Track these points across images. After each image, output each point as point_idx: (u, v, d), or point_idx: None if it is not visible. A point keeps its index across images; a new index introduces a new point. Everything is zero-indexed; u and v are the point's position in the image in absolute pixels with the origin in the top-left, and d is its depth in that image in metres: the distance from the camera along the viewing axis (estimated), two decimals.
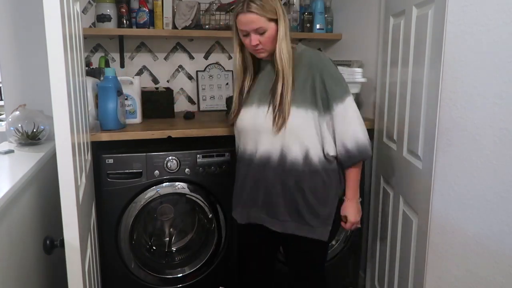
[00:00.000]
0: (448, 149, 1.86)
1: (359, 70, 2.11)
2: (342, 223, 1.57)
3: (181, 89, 2.58)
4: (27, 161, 1.51)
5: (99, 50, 2.39)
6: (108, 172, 1.81)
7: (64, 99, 0.98)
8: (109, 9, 2.18)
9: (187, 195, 1.92)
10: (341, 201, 1.56)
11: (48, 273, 1.61)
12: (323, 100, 1.43)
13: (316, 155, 1.46)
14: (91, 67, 2.25)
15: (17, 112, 1.80)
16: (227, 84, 2.62)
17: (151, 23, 2.28)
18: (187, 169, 1.91)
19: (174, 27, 2.30)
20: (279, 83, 1.42)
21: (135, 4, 2.27)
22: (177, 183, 1.90)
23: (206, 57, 2.60)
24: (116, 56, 2.41)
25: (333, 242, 2.14)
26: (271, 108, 1.44)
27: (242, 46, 1.50)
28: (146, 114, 2.17)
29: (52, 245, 1.13)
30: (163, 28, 2.29)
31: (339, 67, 2.12)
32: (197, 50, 2.57)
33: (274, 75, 1.46)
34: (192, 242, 2.11)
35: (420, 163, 1.99)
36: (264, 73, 1.53)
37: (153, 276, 1.96)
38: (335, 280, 2.17)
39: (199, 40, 2.53)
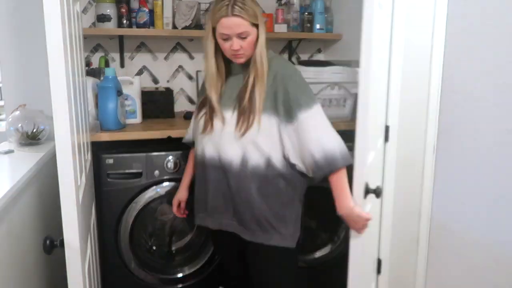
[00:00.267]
0: (448, 149, 1.86)
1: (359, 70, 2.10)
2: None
3: (181, 89, 2.58)
4: (27, 161, 1.51)
5: (99, 50, 2.39)
6: (108, 172, 1.81)
7: (64, 99, 0.98)
8: (109, 9, 2.18)
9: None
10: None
11: (48, 273, 1.61)
12: (286, 109, 1.39)
13: (278, 161, 1.42)
14: (91, 67, 2.25)
15: (17, 112, 1.80)
16: None
17: (151, 23, 2.28)
18: None
19: (174, 27, 2.30)
20: (249, 88, 1.39)
21: (135, 4, 2.27)
22: (177, 183, 1.90)
23: None
24: (116, 56, 2.41)
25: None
26: (235, 113, 1.41)
27: (216, 50, 1.45)
28: (146, 114, 2.17)
29: (52, 245, 1.13)
30: (163, 28, 2.29)
31: (340, 67, 2.12)
32: (197, 50, 2.57)
33: (243, 80, 1.43)
34: (192, 242, 2.10)
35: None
36: (233, 78, 1.49)
37: (153, 276, 1.96)
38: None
39: (199, 40, 2.51)
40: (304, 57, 2.75)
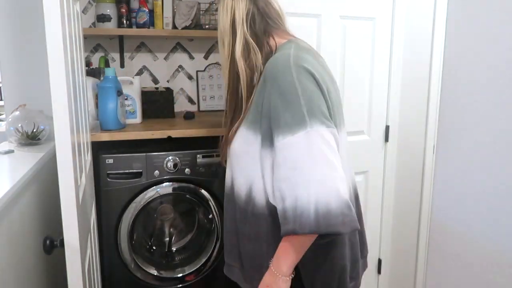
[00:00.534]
0: (448, 149, 1.86)
1: None
2: None
3: (181, 89, 2.58)
4: (27, 161, 1.51)
5: (99, 50, 2.39)
6: (108, 172, 1.81)
7: (64, 99, 0.98)
8: (109, 9, 2.18)
9: (187, 195, 1.92)
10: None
11: (48, 273, 1.61)
12: (266, 127, 1.02)
13: (260, 193, 1.05)
14: (91, 67, 2.25)
15: (17, 112, 1.80)
16: None
17: (151, 23, 2.28)
18: (187, 169, 1.91)
19: (174, 27, 2.30)
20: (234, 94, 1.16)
21: (135, 4, 2.27)
22: (177, 183, 1.91)
23: (206, 57, 2.59)
24: (116, 56, 2.41)
25: None
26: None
27: None
28: (146, 114, 2.17)
29: (52, 245, 1.13)
30: (163, 28, 2.29)
31: None
32: (197, 50, 2.57)
33: None
34: (192, 242, 2.10)
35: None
36: None
37: (153, 276, 1.96)
38: None
39: (199, 40, 2.53)
40: None
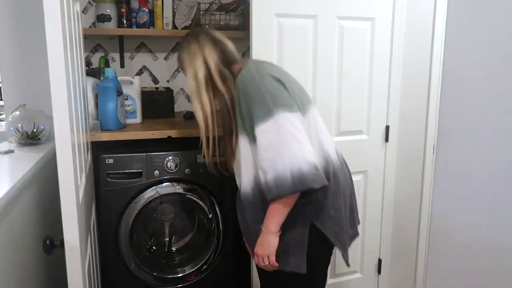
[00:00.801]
0: (448, 149, 1.86)
1: None
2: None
3: (181, 89, 2.58)
4: (27, 161, 1.51)
5: (99, 50, 2.39)
6: (108, 172, 1.81)
7: (64, 99, 0.98)
8: (109, 9, 2.18)
9: (187, 195, 1.92)
10: (315, 230, 1.33)
11: (48, 273, 1.61)
12: (248, 126, 1.27)
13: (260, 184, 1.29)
14: (91, 67, 2.25)
15: (17, 112, 1.80)
16: None
17: (151, 23, 2.28)
18: (187, 169, 1.91)
19: (174, 27, 2.30)
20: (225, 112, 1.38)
21: (135, 4, 2.27)
22: (177, 183, 1.90)
23: None
24: (116, 56, 2.41)
25: None
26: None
27: None
28: (146, 114, 2.17)
29: (52, 245, 1.13)
30: (163, 28, 2.29)
31: None
32: None
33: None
34: (192, 242, 2.10)
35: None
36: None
37: (153, 276, 1.96)
38: None
39: None
40: None
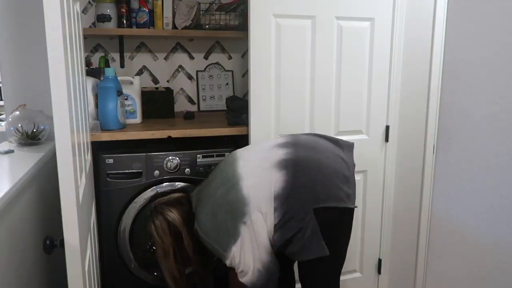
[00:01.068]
0: (448, 149, 1.86)
1: None
2: None
3: (181, 89, 2.58)
4: (27, 161, 1.51)
5: (99, 50, 2.39)
6: (108, 172, 1.81)
7: (64, 99, 0.98)
8: (109, 9, 2.18)
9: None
10: (322, 210, 1.42)
11: (48, 273, 1.61)
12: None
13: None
14: (91, 67, 2.25)
15: (17, 112, 1.80)
16: (227, 84, 2.62)
17: (151, 23, 2.28)
18: (187, 169, 1.91)
19: (174, 27, 2.30)
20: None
21: (135, 4, 2.27)
22: (177, 183, 1.90)
23: (206, 57, 2.60)
24: (116, 56, 2.41)
25: None
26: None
27: None
28: (146, 114, 2.17)
29: (52, 245, 1.13)
30: (163, 28, 2.29)
31: None
32: (197, 50, 2.57)
33: None
34: None
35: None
36: None
37: (153, 276, 1.96)
38: None
39: (199, 40, 2.53)
40: None
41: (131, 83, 2.06)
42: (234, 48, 2.63)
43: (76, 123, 1.14)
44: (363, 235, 2.14)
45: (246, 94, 2.54)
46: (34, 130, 1.78)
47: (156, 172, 1.87)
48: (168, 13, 2.28)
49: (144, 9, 2.25)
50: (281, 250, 1.45)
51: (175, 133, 1.90)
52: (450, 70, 1.82)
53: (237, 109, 2.02)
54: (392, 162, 2.13)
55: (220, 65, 2.62)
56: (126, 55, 2.43)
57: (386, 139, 2.09)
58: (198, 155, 1.92)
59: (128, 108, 2.06)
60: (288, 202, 1.38)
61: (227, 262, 1.40)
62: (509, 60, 1.53)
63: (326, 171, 1.45)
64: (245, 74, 2.65)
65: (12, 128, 1.76)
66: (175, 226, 1.51)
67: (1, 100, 3.61)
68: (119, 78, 1.96)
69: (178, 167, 1.89)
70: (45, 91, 1.76)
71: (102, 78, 1.97)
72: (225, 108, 2.34)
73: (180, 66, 2.55)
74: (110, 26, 2.19)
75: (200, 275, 1.62)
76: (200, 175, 1.92)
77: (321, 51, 1.88)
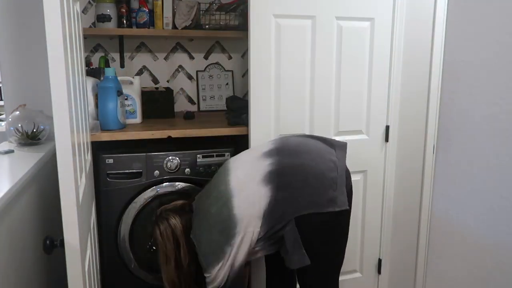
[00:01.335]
0: (448, 149, 1.86)
1: None
2: None
3: (181, 89, 2.58)
4: (27, 161, 1.51)
5: (99, 50, 2.39)
6: (108, 172, 1.81)
7: (64, 99, 0.98)
8: (109, 9, 2.18)
9: (187, 195, 1.92)
10: (305, 217, 1.44)
11: (48, 273, 1.61)
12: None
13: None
14: (91, 67, 2.25)
15: (17, 112, 1.80)
16: (227, 84, 2.62)
17: (151, 23, 2.28)
18: (187, 169, 1.91)
19: (174, 27, 2.30)
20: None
21: (135, 4, 2.27)
22: (177, 183, 1.91)
23: (206, 57, 2.60)
24: (116, 56, 2.41)
25: None
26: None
27: None
28: (146, 114, 2.17)
29: (52, 245, 1.13)
30: (163, 28, 2.29)
31: None
32: (197, 50, 2.57)
33: None
34: None
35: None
36: None
37: (153, 276, 1.96)
38: None
39: (199, 40, 2.53)
40: None
41: (131, 83, 2.06)
42: (234, 48, 2.63)
43: (76, 123, 1.14)
44: (363, 235, 2.14)
45: (246, 94, 2.54)
46: (34, 130, 1.78)
47: (156, 172, 1.87)
48: (168, 13, 2.28)
49: (144, 9, 2.25)
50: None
51: (175, 133, 1.90)
52: (450, 70, 1.82)
53: (237, 109, 2.02)
54: (392, 162, 2.13)
55: (220, 65, 2.62)
56: (126, 55, 2.43)
57: (386, 139, 2.09)
58: (198, 155, 1.92)
59: (128, 108, 2.06)
60: (271, 217, 1.41)
61: (205, 274, 1.47)
62: (509, 61, 1.53)
63: (310, 177, 1.45)
64: (245, 74, 2.65)
65: (12, 128, 1.76)
66: (176, 235, 1.54)
67: (1, 100, 3.61)
68: (119, 78, 1.96)
69: (178, 167, 1.89)
70: (45, 91, 1.76)
71: (102, 78, 1.97)
72: (225, 108, 2.34)
73: (180, 66, 2.55)
74: (110, 26, 2.19)
75: None
76: (200, 175, 1.92)
77: (321, 51, 1.88)
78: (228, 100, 2.18)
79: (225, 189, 1.47)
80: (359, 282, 2.20)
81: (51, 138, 1.76)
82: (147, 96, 2.20)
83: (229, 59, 2.63)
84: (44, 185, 1.62)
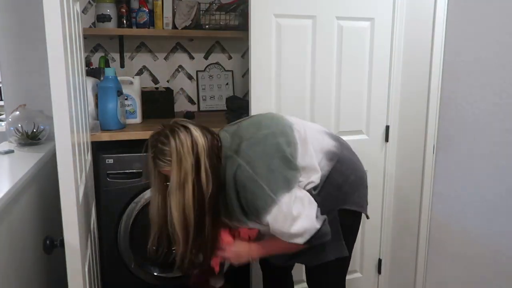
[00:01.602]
0: (448, 149, 1.86)
1: None
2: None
3: (181, 89, 2.58)
4: (27, 161, 1.51)
5: (99, 50, 2.39)
6: (108, 172, 1.81)
7: (64, 99, 0.98)
8: (109, 9, 2.18)
9: None
10: (344, 211, 1.42)
11: (48, 273, 1.61)
12: (252, 214, 1.31)
13: None
14: (91, 67, 2.25)
15: (17, 112, 1.80)
16: (227, 84, 2.62)
17: (151, 23, 2.28)
18: None
19: (174, 27, 2.30)
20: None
21: (135, 4, 2.27)
22: None
23: (206, 57, 2.60)
24: (116, 56, 2.41)
25: None
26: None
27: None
28: (146, 114, 2.17)
29: (52, 245, 1.13)
30: (163, 28, 2.29)
31: None
32: (197, 50, 2.57)
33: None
34: None
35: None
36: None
37: (153, 276, 1.96)
38: None
39: (199, 40, 2.53)
40: None
41: (131, 83, 2.06)
42: (234, 48, 2.63)
43: (76, 123, 1.14)
44: (363, 235, 2.14)
45: (246, 94, 2.54)
46: (34, 130, 1.78)
47: None
48: (168, 13, 2.28)
49: (144, 9, 2.25)
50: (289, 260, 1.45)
51: None
52: (450, 70, 1.82)
53: (237, 109, 2.02)
54: (392, 162, 2.13)
55: (220, 65, 2.62)
56: (126, 55, 2.43)
57: (386, 139, 2.09)
58: None
59: (128, 108, 2.06)
60: (320, 194, 1.35)
61: (267, 214, 1.23)
62: (509, 60, 1.53)
63: (358, 175, 1.46)
64: (245, 74, 2.65)
65: (12, 128, 1.76)
66: (198, 150, 1.22)
67: (1, 100, 3.60)
68: (119, 78, 1.96)
69: None
70: (45, 91, 1.76)
71: (102, 78, 1.97)
72: (225, 108, 2.34)
73: (180, 66, 2.55)
74: (110, 26, 2.19)
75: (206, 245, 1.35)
76: None
77: (321, 51, 1.88)
78: (228, 100, 2.18)
79: (287, 131, 1.33)
80: (359, 282, 2.20)
81: (51, 138, 1.76)
82: (147, 96, 2.20)
83: (229, 59, 2.63)
84: (44, 185, 1.62)
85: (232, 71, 2.63)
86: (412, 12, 1.98)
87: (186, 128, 1.24)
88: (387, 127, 2.08)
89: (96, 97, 1.90)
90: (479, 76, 1.66)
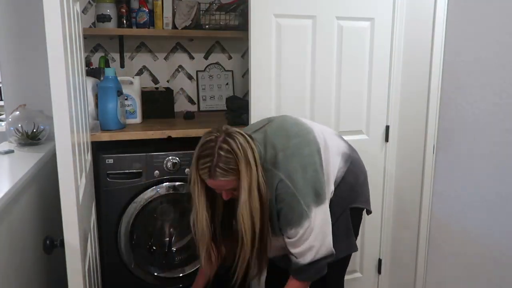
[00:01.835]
0: (448, 149, 1.86)
1: None
2: None
3: (181, 89, 2.58)
4: (27, 161, 1.51)
5: (99, 50, 2.39)
6: (108, 172, 1.82)
7: (64, 99, 0.98)
8: (109, 9, 2.18)
9: (187, 195, 1.92)
10: (353, 209, 1.51)
11: (48, 273, 1.61)
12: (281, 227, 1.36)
13: None
14: (91, 67, 2.25)
15: (17, 112, 1.80)
16: (227, 84, 2.62)
17: (151, 23, 2.28)
18: (187, 169, 1.91)
19: (174, 27, 2.30)
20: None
21: (135, 4, 2.27)
22: (177, 183, 1.90)
23: (206, 57, 2.60)
24: (116, 56, 2.41)
25: None
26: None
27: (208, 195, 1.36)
28: (146, 114, 2.17)
29: (52, 245, 1.13)
30: (163, 28, 2.29)
31: None
32: (197, 50, 2.57)
33: None
34: (192, 242, 2.10)
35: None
36: None
37: (153, 276, 1.96)
38: None
39: (199, 40, 2.53)
40: None
41: (131, 83, 2.06)
42: (234, 48, 2.63)
43: (76, 123, 1.14)
44: (363, 235, 2.14)
45: (246, 94, 2.54)
46: (34, 130, 1.78)
47: (156, 172, 1.87)
48: (168, 13, 2.28)
49: (144, 9, 2.25)
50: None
51: (175, 133, 1.90)
52: (450, 70, 1.82)
53: (237, 109, 2.02)
54: (392, 162, 2.13)
55: (220, 65, 2.62)
56: (126, 55, 2.43)
57: (386, 139, 2.09)
58: None
59: (128, 108, 2.06)
60: (335, 193, 1.45)
61: (299, 228, 1.28)
62: (509, 60, 1.53)
63: (365, 174, 1.58)
64: (245, 74, 2.65)
65: (12, 128, 1.76)
66: (255, 156, 1.28)
67: (1, 100, 3.60)
68: (119, 78, 1.96)
69: (178, 167, 1.89)
70: (45, 91, 1.76)
71: (102, 78, 1.97)
72: (225, 108, 2.34)
73: (180, 66, 2.55)
74: (110, 26, 2.19)
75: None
76: None
77: (321, 51, 1.88)
78: (228, 100, 2.17)
79: (313, 139, 1.38)
80: (359, 282, 2.20)
81: (51, 138, 1.76)
82: (147, 96, 2.20)
83: (229, 59, 2.63)
84: (44, 185, 1.62)
85: (232, 71, 2.63)
86: (412, 12, 1.98)
87: (241, 135, 1.28)
88: (387, 127, 2.08)
89: (96, 97, 1.90)
90: (479, 76, 1.66)
